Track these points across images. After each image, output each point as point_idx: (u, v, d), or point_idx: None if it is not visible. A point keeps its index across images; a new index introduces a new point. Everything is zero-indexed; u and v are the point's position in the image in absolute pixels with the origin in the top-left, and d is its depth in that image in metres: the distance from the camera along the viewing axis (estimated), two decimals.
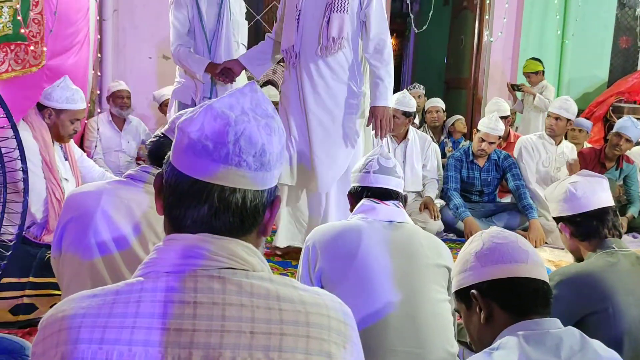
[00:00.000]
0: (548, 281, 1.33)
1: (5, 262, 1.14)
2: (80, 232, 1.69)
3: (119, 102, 4.79)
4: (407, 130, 4.39)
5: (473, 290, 1.32)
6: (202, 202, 0.89)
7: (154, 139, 1.85)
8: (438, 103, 5.68)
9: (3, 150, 1.18)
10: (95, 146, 4.63)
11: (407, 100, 4.26)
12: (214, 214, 0.90)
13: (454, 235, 4.21)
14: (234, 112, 0.90)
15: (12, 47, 3.26)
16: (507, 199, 4.66)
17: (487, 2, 6.46)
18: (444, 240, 4.03)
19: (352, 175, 2.00)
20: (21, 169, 1.14)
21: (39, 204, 2.80)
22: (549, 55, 6.54)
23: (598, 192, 1.91)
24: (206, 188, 0.89)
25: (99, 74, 5.22)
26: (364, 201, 1.88)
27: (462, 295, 1.37)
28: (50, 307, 2.46)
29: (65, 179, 3.00)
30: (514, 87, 6.20)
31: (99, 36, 5.03)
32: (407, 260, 1.75)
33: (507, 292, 1.29)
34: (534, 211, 4.07)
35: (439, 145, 5.17)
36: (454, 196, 4.19)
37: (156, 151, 1.82)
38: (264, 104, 0.94)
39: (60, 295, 2.42)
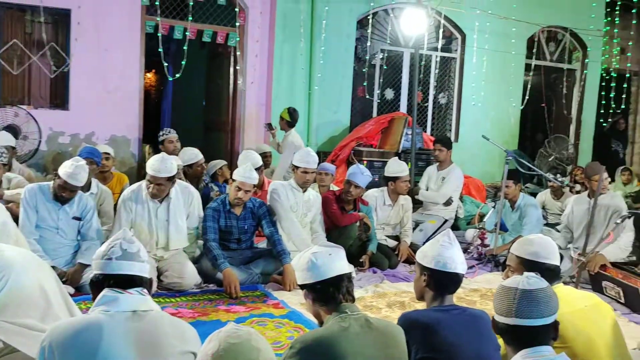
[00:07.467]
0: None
1: None
2: None
3: None
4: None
5: None
6: None
7: None
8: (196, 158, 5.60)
9: None
10: None
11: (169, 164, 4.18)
12: None
13: (215, 285, 4.24)
14: None
15: None
16: (263, 244, 4.84)
17: (238, 53, 6.79)
18: (204, 292, 4.03)
19: (93, 262, 1.90)
20: None
21: None
22: (299, 102, 7.12)
23: (335, 261, 2.08)
24: None
25: None
26: (105, 292, 1.80)
27: None
28: None
29: None
30: (269, 127, 6.63)
31: None
32: (153, 351, 1.72)
33: None
34: (287, 256, 4.29)
35: (203, 190, 5.22)
36: (212, 247, 4.20)
37: None
38: None
39: None
